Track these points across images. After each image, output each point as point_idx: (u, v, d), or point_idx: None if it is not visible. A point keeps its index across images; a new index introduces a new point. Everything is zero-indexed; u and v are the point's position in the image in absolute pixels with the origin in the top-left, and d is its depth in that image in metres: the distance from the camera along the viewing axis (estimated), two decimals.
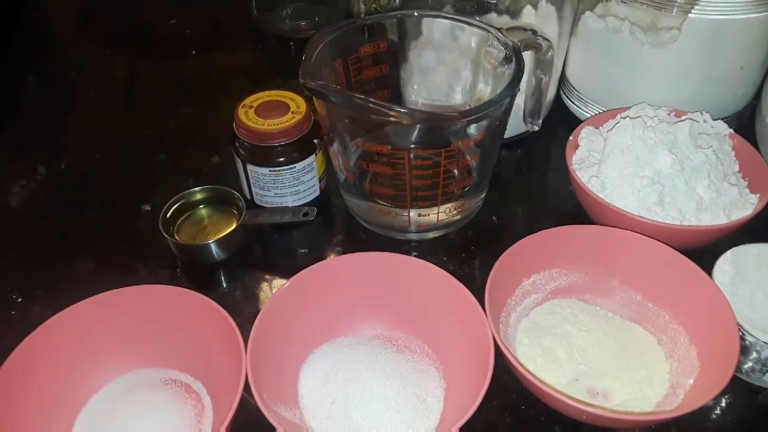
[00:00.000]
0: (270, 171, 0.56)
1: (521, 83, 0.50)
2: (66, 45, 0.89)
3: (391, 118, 0.45)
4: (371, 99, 0.45)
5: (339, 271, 0.48)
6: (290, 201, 0.58)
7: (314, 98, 0.50)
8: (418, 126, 0.51)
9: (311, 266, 0.47)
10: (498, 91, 0.48)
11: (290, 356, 0.46)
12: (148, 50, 0.86)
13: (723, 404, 0.46)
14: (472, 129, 0.52)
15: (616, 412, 0.41)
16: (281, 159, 0.55)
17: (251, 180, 0.57)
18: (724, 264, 0.47)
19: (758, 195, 0.52)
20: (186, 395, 0.45)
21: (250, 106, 0.56)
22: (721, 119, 0.57)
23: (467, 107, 0.58)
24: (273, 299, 0.45)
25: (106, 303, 0.45)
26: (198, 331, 0.45)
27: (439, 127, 0.51)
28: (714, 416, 0.45)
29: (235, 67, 0.82)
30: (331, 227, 0.60)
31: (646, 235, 0.48)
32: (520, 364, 0.41)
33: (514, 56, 0.50)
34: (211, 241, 0.54)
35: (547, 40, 0.52)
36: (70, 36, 0.91)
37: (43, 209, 0.62)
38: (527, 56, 0.52)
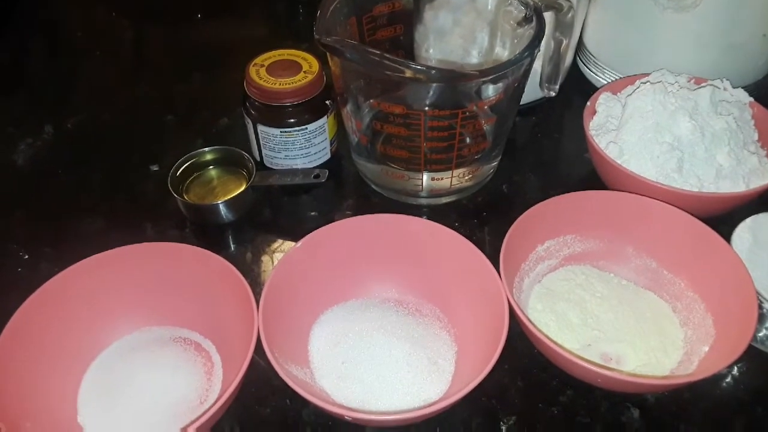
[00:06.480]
0: (281, 132, 0.55)
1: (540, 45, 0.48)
2: (73, 6, 0.87)
3: (407, 76, 0.44)
4: (387, 55, 0.44)
5: (351, 232, 0.47)
6: (300, 163, 0.57)
7: (328, 56, 0.49)
8: (434, 86, 0.50)
9: (323, 227, 0.46)
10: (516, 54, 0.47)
11: (301, 316, 0.46)
12: (155, 13, 0.84)
13: (736, 372, 0.45)
14: (490, 90, 0.50)
15: (633, 375, 0.40)
16: (292, 120, 0.54)
17: (261, 141, 0.56)
18: (743, 231, 0.47)
19: None
20: (196, 353, 0.45)
21: (262, 65, 0.55)
22: (741, 88, 0.56)
23: None
24: (285, 259, 0.44)
25: (115, 259, 0.45)
26: (208, 289, 0.45)
27: (456, 87, 0.50)
28: (726, 384, 0.45)
29: (243, 31, 0.81)
30: (341, 191, 0.59)
31: (663, 202, 0.47)
32: (536, 327, 0.40)
33: (534, 16, 0.49)
34: (220, 202, 0.53)
35: (568, 0, 0.51)
36: None
37: (49, 168, 0.61)
38: (546, 18, 0.50)
